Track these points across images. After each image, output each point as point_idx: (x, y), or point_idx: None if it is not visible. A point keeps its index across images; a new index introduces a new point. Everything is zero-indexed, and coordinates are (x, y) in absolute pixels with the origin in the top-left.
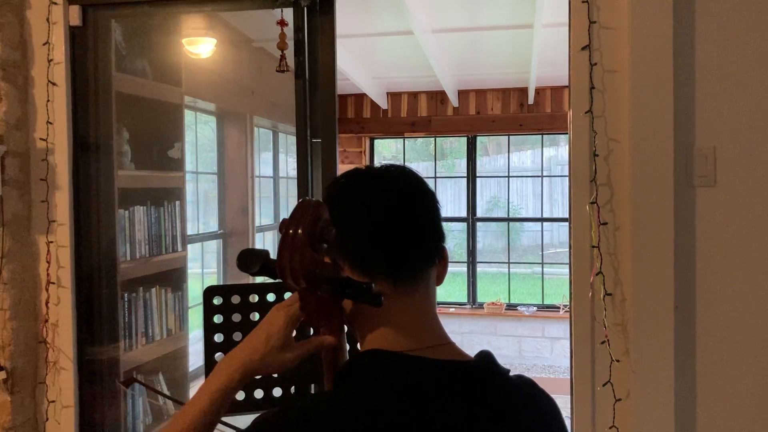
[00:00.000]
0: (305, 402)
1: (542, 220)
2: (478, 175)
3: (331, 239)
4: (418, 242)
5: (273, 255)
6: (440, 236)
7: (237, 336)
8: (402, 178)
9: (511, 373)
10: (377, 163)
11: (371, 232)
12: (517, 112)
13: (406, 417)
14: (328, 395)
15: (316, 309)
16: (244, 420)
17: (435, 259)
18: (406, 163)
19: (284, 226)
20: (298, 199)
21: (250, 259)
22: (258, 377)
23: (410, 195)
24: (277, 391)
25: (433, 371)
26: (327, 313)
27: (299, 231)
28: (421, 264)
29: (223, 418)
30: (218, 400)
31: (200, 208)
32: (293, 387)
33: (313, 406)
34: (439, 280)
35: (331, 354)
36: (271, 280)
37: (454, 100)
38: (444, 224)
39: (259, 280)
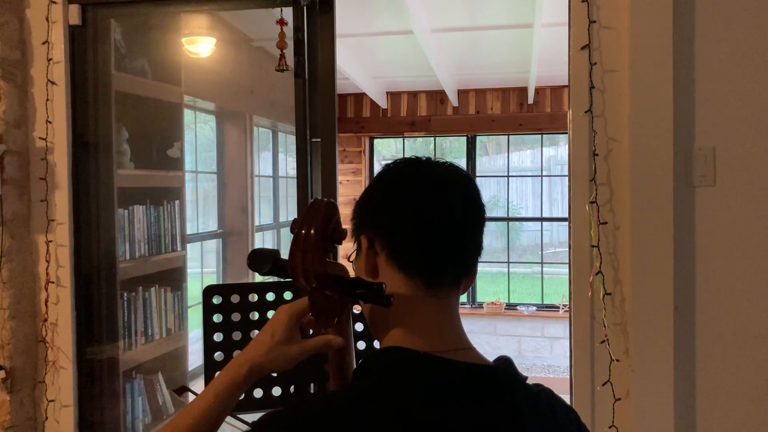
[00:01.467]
0: (323, 396)
1: (542, 219)
2: (477, 174)
3: (342, 239)
4: (465, 251)
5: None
6: (480, 250)
7: (236, 335)
8: (465, 185)
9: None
10: (434, 157)
11: (423, 231)
12: (516, 111)
13: (425, 416)
14: (348, 390)
15: (325, 309)
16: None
17: (470, 271)
18: None
19: (296, 226)
20: (298, 199)
21: (261, 259)
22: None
23: (469, 204)
24: (276, 391)
25: (455, 373)
26: (336, 314)
27: (311, 231)
28: (459, 272)
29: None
30: (223, 396)
31: (200, 207)
32: (293, 387)
33: (332, 400)
34: (463, 290)
35: (338, 356)
36: (281, 280)
37: (453, 99)
38: None
39: (258, 279)
